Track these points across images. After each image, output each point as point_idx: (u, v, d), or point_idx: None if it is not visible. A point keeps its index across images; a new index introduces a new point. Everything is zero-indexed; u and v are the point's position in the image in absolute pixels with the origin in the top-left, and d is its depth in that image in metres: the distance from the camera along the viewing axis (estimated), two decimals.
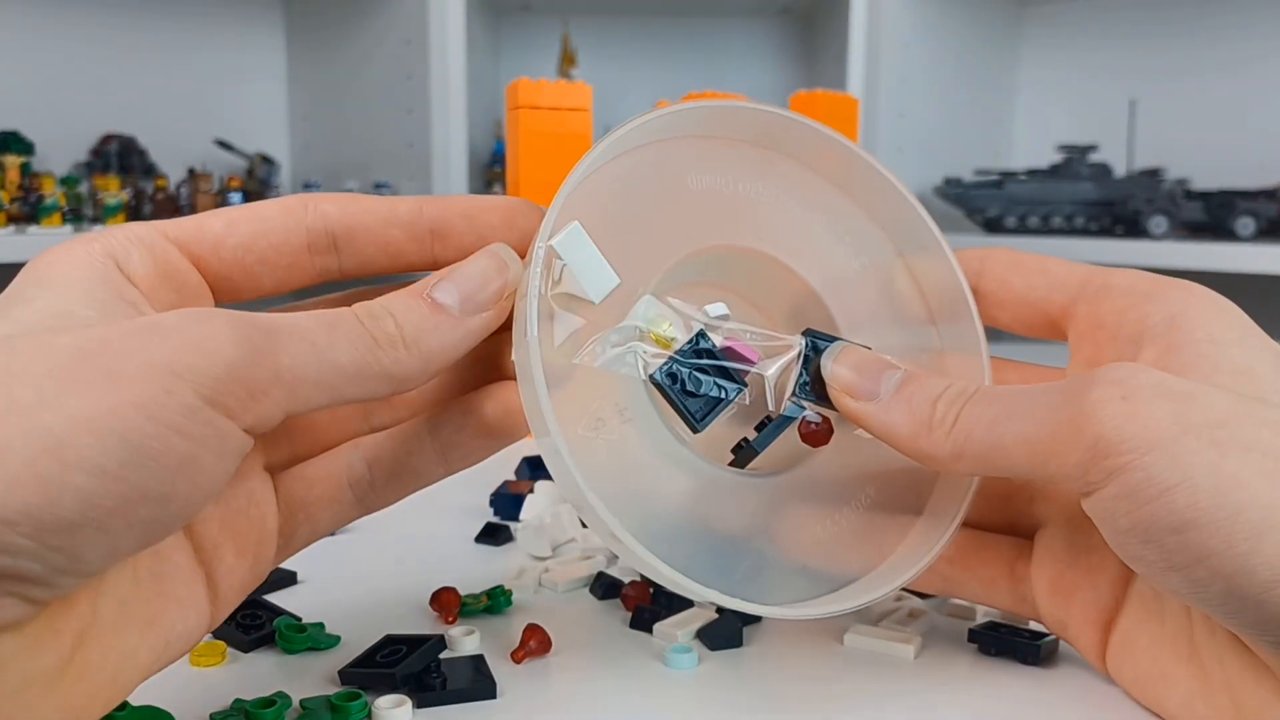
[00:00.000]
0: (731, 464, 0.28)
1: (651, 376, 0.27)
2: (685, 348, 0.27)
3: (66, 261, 0.22)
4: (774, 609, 0.26)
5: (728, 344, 0.28)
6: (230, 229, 0.25)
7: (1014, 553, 0.30)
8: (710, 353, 0.27)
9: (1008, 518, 0.31)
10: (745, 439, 0.28)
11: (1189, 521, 0.22)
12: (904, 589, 0.34)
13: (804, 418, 0.28)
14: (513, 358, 0.25)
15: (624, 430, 0.26)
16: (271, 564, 0.27)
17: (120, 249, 0.23)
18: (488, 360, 0.28)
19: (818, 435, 0.28)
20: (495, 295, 0.25)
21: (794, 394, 0.28)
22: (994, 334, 0.31)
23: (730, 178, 0.30)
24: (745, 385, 0.27)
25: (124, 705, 0.25)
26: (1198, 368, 0.25)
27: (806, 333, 0.28)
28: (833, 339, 0.28)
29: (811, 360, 0.28)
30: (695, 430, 0.27)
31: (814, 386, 0.28)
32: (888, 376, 0.27)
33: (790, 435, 0.28)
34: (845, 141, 0.31)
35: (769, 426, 0.28)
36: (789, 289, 0.30)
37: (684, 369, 0.27)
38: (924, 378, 0.27)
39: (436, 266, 0.26)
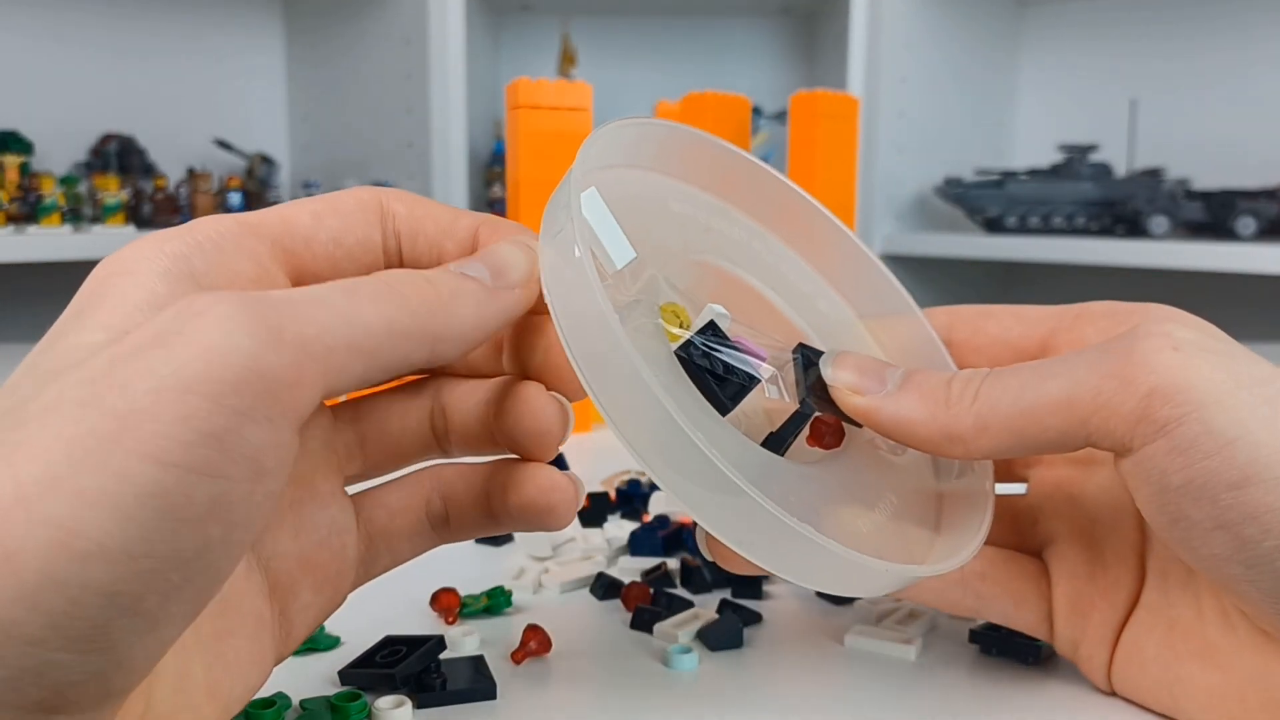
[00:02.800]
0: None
1: (682, 353, 0.26)
2: (704, 330, 0.26)
3: (130, 272, 0.20)
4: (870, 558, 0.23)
5: (737, 339, 0.27)
6: (318, 222, 0.23)
7: (1039, 570, 0.30)
8: (725, 341, 0.27)
9: (1015, 538, 0.30)
10: (771, 434, 0.27)
11: (1249, 477, 0.21)
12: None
13: (815, 418, 0.28)
14: (550, 307, 0.24)
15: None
16: (348, 594, 0.25)
17: (195, 250, 0.21)
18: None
19: (827, 438, 0.28)
20: (524, 276, 0.24)
21: (799, 403, 0.28)
22: None
23: (704, 212, 0.30)
24: (760, 380, 0.27)
25: None
26: None
27: (799, 347, 0.28)
28: (822, 352, 0.28)
29: (809, 371, 0.27)
30: (724, 412, 0.26)
31: (816, 391, 0.27)
32: (890, 373, 0.27)
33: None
34: (807, 197, 0.31)
35: (790, 421, 0.27)
36: (772, 323, 0.30)
37: (707, 349, 0.26)
38: (928, 370, 0.27)
39: None
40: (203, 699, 0.21)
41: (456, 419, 0.26)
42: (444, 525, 0.26)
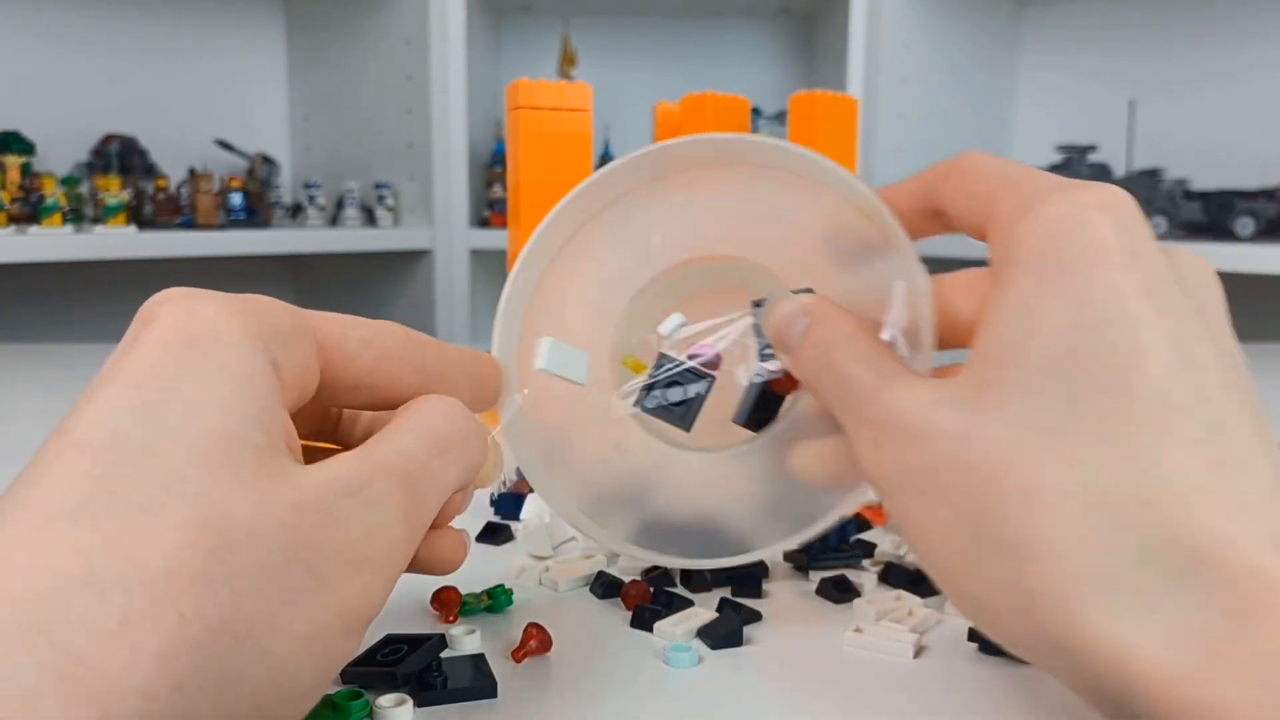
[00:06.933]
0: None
1: (633, 409, 0.31)
2: (653, 371, 0.31)
3: (228, 350, 0.21)
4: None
5: (690, 350, 0.31)
6: (363, 348, 0.25)
7: None
8: (673, 365, 0.31)
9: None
10: (734, 417, 0.31)
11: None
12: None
13: (768, 372, 0.30)
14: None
15: (632, 459, 0.33)
16: None
17: (277, 340, 0.23)
18: None
19: (785, 382, 0.30)
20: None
21: (760, 358, 0.30)
22: None
23: (662, 208, 0.33)
24: (714, 377, 0.31)
25: None
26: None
27: (755, 303, 0.30)
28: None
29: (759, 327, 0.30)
30: (687, 430, 0.31)
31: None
32: (797, 325, 0.27)
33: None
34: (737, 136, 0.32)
35: (744, 397, 0.31)
36: (751, 276, 0.33)
37: (657, 388, 0.31)
38: (826, 320, 0.26)
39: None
40: None
41: None
42: None
